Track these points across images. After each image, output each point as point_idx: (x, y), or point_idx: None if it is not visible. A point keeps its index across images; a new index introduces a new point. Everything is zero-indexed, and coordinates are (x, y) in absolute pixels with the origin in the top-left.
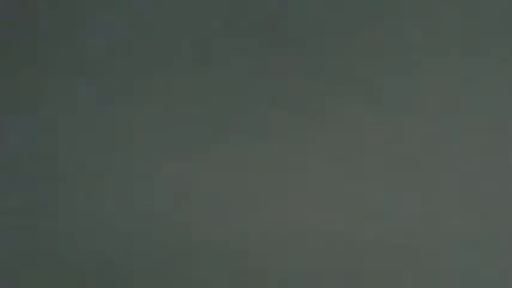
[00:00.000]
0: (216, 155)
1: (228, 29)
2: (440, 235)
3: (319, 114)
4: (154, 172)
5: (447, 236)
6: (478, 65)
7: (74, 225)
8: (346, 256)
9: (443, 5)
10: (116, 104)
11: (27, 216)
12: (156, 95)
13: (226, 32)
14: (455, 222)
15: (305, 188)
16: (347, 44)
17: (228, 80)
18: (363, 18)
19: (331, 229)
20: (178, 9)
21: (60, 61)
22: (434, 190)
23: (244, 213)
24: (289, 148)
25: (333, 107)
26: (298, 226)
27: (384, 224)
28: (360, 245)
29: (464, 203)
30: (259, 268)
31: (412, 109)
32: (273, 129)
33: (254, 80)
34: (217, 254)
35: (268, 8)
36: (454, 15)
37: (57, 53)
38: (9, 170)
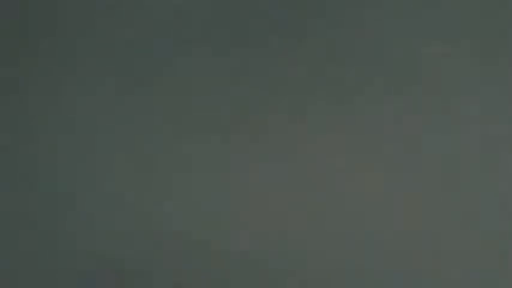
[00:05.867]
0: (215, 154)
1: (228, 27)
2: (440, 236)
3: (319, 114)
4: (154, 171)
5: (447, 237)
6: (478, 65)
7: (74, 225)
8: (345, 256)
9: (443, 5)
10: (116, 104)
11: (27, 216)
12: (157, 95)
13: (226, 30)
14: (455, 223)
15: (304, 188)
16: (347, 43)
17: (227, 79)
18: (363, 18)
19: (331, 230)
20: (179, 8)
21: (61, 61)
22: (434, 190)
23: (243, 214)
24: (287, 148)
25: (332, 107)
26: (298, 227)
27: (383, 224)
28: (360, 245)
29: (464, 203)
30: (259, 268)
31: (412, 109)
32: (272, 129)
33: (254, 78)
34: (217, 255)
35: (268, 7)
36: (454, 15)
37: (57, 53)
38: (9, 170)
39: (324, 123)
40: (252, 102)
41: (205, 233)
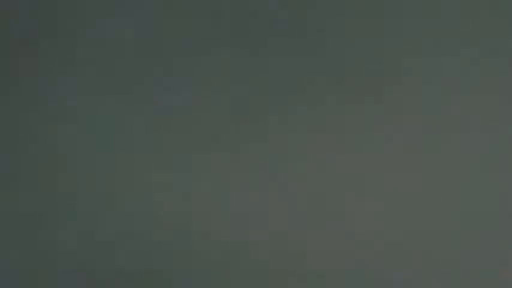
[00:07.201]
0: (215, 154)
1: (229, 29)
2: (440, 235)
3: (320, 114)
4: (154, 172)
5: (447, 235)
6: (478, 64)
7: (74, 225)
8: (346, 255)
9: (443, 4)
10: (116, 104)
11: (27, 216)
12: (156, 95)
13: (228, 31)
14: (455, 221)
15: (305, 187)
16: (347, 44)
17: (228, 80)
18: (363, 18)
19: (330, 230)
20: (179, 9)
21: (61, 61)
22: (434, 190)
23: (244, 216)
24: (289, 148)
25: (333, 107)
26: (298, 227)
27: (384, 223)
28: (360, 244)
29: (464, 202)
30: (259, 268)
31: (413, 109)
32: (273, 131)
33: (254, 80)
34: (217, 255)
35: (269, 8)
36: (454, 14)
37: (57, 52)
38: (9, 170)
39: (324, 123)
40: (252, 102)
41: (205, 233)
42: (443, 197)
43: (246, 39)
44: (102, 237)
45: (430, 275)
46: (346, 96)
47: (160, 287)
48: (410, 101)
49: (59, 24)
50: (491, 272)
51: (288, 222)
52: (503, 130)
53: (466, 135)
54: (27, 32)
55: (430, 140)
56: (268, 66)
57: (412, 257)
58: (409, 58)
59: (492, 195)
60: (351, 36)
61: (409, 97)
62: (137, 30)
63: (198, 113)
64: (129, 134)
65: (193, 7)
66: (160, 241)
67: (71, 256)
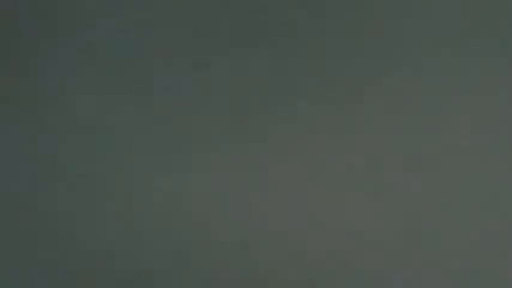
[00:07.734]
0: (216, 156)
1: (228, 29)
2: (440, 235)
3: (320, 114)
4: (154, 172)
5: (447, 235)
6: (478, 65)
7: (74, 225)
8: (346, 255)
9: (443, 5)
10: (116, 104)
11: (27, 216)
12: (157, 96)
13: (228, 31)
14: (455, 221)
15: (305, 187)
16: (347, 44)
17: (228, 81)
18: (363, 17)
19: (331, 230)
20: (178, 9)
21: (61, 61)
22: (434, 190)
23: (244, 216)
24: (289, 149)
25: (333, 107)
26: (298, 227)
27: (384, 223)
28: (360, 244)
29: (463, 202)
30: (263, 266)
31: (412, 109)
32: (273, 131)
33: (254, 80)
34: (219, 255)
35: (268, 8)
36: (454, 14)
37: (57, 52)
38: (9, 169)
39: (324, 123)
40: (252, 102)
41: (205, 233)
42: (443, 197)
43: (246, 39)
44: (102, 237)
45: (430, 275)
46: (346, 96)
47: (161, 287)
48: (410, 100)
49: (59, 24)
50: (491, 272)
51: (288, 222)
52: (503, 130)
53: (466, 135)
54: (27, 32)
55: (430, 139)
56: (268, 66)
57: (412, 257)
58: (409, 58)
59: (492, 195)
60: (351, 36)
61: (409, 97)
62: (137, 30)
63: (198, 113)
64: (129, 134)
65: (194, 7)
66: (160, 241)
67: (71, 256)
